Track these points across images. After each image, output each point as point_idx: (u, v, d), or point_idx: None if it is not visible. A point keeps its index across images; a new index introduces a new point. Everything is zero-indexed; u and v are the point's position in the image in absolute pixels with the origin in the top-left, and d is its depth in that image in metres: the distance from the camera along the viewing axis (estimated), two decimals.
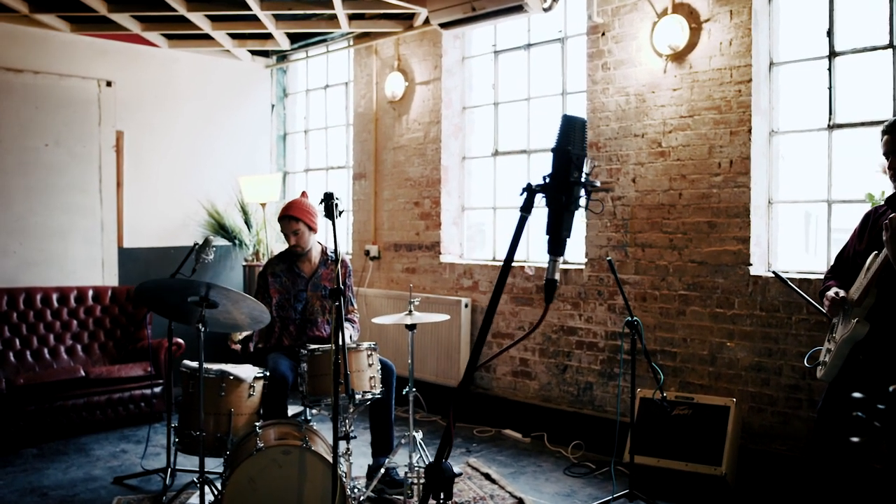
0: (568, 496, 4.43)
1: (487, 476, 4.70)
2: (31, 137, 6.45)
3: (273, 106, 8.13)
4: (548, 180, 1.71)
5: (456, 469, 4.83)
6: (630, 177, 5.18)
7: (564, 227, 1.67)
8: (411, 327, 4.22)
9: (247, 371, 4.00)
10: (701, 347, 4.85)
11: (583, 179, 1.66)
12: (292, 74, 8.20)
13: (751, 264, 4.66)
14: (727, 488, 4.27)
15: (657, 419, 4.52)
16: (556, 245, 1.70)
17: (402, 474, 4.36)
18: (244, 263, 7.32)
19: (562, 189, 1.64)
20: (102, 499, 4.40)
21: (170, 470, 4.48)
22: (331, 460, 3.46)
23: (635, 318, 4.18)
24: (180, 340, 5.86)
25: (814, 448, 3.29)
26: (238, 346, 6.67)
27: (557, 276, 1.72)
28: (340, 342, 3.24)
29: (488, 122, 6.37)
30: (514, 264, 5.96)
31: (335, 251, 3.37)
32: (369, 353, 3.99)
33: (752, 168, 4.65)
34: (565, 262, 5.72)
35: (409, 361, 4.29)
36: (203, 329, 3.67)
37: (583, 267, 5.47)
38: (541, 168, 6.01)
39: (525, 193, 1.73)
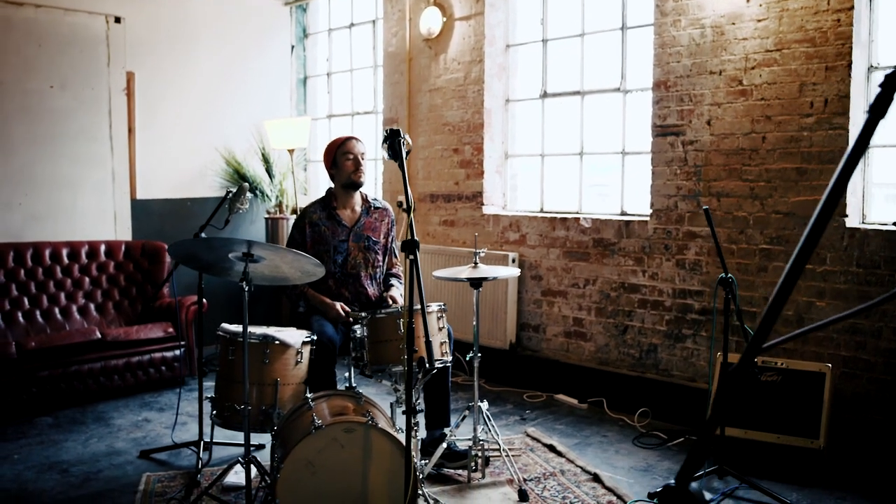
0: (645, 471, 4.00)
1: (552, 448, 4.27)
2: (33, 79, 5.88)
3: (293, 47, 7.53)
4: None
5: (516, 440, 4.40)
6: (704, 119, 4.65)
7: None
8: (477, 284, 3.72)
9: (293, 335, 3.53)
10: (786, 307, 4.38)
11: None
12: (313, 13, 7.58)
13: (846, 215, 4.18)
14: (824, 461, 3.85)
15: (743, 387, 4.07)
16: None
17: (461, 447, 3.93)
18: (266, 216, 6.80)
19: None
20: (129, 476, 3.96)
21: (202, 444, 4.04)
22: (399, 438, 3.02)
23: (730, 275, 3.70)
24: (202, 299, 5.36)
25: None
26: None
27: None
28: (413, 304, 2.77)
29: (536, 62, 5.80)
30: (566, 215, 5.51)
31: (406, 197, 2.87)
32: (439, 314, 3.51)
33: (850, 108, 4.14)
34: (624, 214, 5.23)
35: (475, 323, 3.81)
36: (248, 288, 3.19)
37: (647, 218, 4.97)
38: (596, 111, 5.46)
39: (883, 89, 1.10)
